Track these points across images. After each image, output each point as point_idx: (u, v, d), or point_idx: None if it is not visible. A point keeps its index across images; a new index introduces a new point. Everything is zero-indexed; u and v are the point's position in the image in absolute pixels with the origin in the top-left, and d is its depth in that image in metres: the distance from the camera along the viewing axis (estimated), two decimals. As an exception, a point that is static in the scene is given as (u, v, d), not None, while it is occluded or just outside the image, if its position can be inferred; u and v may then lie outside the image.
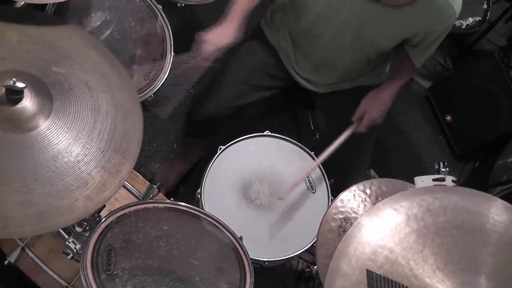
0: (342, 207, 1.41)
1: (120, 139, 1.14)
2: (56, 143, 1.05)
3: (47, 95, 1.08)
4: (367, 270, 0.96)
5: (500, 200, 1.04)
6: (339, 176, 1.69)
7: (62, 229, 1.32)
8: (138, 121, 1.21)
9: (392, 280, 0.95)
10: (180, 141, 2.28)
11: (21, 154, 1.02)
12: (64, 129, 1.07)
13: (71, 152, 1.06)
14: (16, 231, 1.02)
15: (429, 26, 1.49)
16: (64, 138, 1.06)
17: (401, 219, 1.01)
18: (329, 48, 1.62)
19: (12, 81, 0.99)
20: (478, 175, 2.60)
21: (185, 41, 1.46)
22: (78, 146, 1.07)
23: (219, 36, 1.48)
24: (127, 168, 1.13)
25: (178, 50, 1.68)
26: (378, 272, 0.96)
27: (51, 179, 1.03)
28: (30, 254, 1.39)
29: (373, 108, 1.63)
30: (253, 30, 1.84)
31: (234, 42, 1.51)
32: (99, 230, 1.18)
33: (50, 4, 1.44)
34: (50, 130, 1.05)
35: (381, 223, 1.01)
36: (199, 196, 1.57)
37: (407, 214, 1.01)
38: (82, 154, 1.07)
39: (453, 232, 1.00)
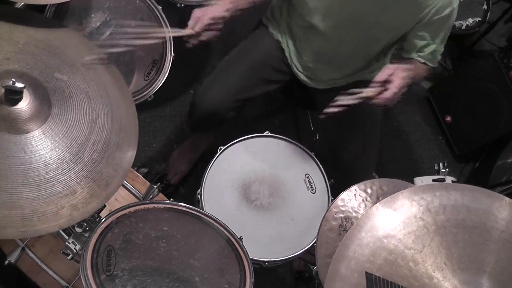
0: (343, 206, 1.41)
1: (113, 152, 1.14)
2: (49, 149, 1.05)
3: (46, 100, 1.08)
4: (366, 273, 0.96)
5: (501, 196, 1.03)
6: (344, 177, 1.69)
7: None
8: (133, 137, 1.21)
9: (391, 282, 0.95)
10: (181, 142, 2.28)
11: (12, 155, 1.01)
12: (59, 136, 1.07)
13: (63, 160, 1.06)
14: (-3, 231, 1.00)
15: (424, 18, 1.48)
16: (57, 145, 1.06)
17: (400, 220, 1.01)
18: (326, 42, 1.61)
19: (11, 81, 0.99)
20: (478, 176, 2.60)
21: (184, 42, 1.46)
22: (70, 154, 1.07)
23: (211, 9, 1.45)
24: (116, 182, 1.13)
25: (177, 51, 1.68)
26: (377, 274, 0.95)
27: (40, 184, 1.02)
28: (30, 254, 1.39)
29: (400, 75, 1.41)
30: (256, 25, 1.84)
31: (224, 17, 1.47)
32: (99, 231, 1.18)
33: (50, 4, 1.44)
34: (44, 135, 1.05)
35: (379, 224, 1.00)
36: (199, 196, 1.57)
37: (406, 214, 1.01)
38: (73, 163, 1.07)
39: (453, 231, 0.99)
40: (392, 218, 1.01)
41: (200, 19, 1.42)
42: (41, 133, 1.05)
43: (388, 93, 1.39)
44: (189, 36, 1.44)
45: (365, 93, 1.36)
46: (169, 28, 1.67)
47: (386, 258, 0.97)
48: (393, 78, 1.40)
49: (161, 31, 1.63)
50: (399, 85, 1.39)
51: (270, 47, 1.77)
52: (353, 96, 1.33)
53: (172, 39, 1.69)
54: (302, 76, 1.78)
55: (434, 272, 0.96)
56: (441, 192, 1.03)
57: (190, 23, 1.42)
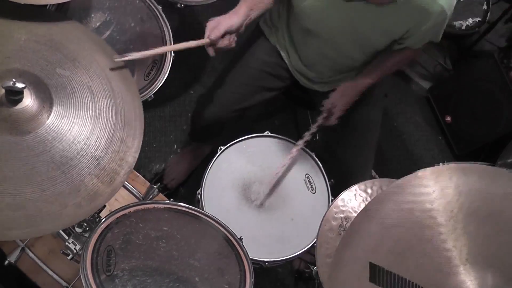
0: (343, 206, 1.41)
1: (117, 148, 1.12)
2: (51, 148, 1.04)
3: (48, 97, 1.07)
4: (370, 263, 0.93)
5: None
6: (341, 178, 1.69)
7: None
8: (138, 131, 1.19)
9: (395, 274, 0.92)
10: (181, 142, 2.29)
11: (15, 156, 1.00)
12: (61, 134, 1.06)
13: (66, 158, 1.04)
14: (2, 233, 0.99)
15: (416, 25, 1.47)
16: (60, 143, 1.05)
17: (406, 208, 0.92)
18: (324, 45, 1.61)
19: (11, 82, 0.98)
20: (478, 176, 2.60)
21: (184, 42, 1.46)
22: (73, 152, 1.05)
23: (226, 19, 1.44)
24: (121, 178, 1.11)
25: (177, 51, 1.68)
26: (381, 265, 0.92)
27: (43, 183, 1.01)
28: (30, 254, 1.39)
29: (340, 103, 1.64)
30: (252, 31, 1.84)
31: (241, 26, 1.47)
32: (99, 231, 1.18)
33: (50, 4, 1.44)
34: (47, 134, 1.04)
35: (387, 212, 0.93)
36: (199, 196, 1.57)
37: (414, 202, 0.92)
38: (76, 160, 1.05)
39: (465, 220, 0.91)
40: (400, 206, 0.93)
41: (216, 28, 1.41)
42: (43, 132, 1.04)
43: (333, 120, 1.65)
44: (208, 45, 1.43)
45: (318, 122, 1.67)
46: (171, 41, 1.68)
47: (392, 248, 0.93)
48: (334, 107, 1.64)
49: (176, 45, 1.61)
50: (340, 112, 1.64)
51: (266, 54, 1.77)
52: (313, 127, 1.67)
53: (172, 40, 1.69)
54: (303, 80, 1.78)
55: (439, 265, 0.90)
56: (458, 175, 0.92)
57: (206, 32, 1.42)
